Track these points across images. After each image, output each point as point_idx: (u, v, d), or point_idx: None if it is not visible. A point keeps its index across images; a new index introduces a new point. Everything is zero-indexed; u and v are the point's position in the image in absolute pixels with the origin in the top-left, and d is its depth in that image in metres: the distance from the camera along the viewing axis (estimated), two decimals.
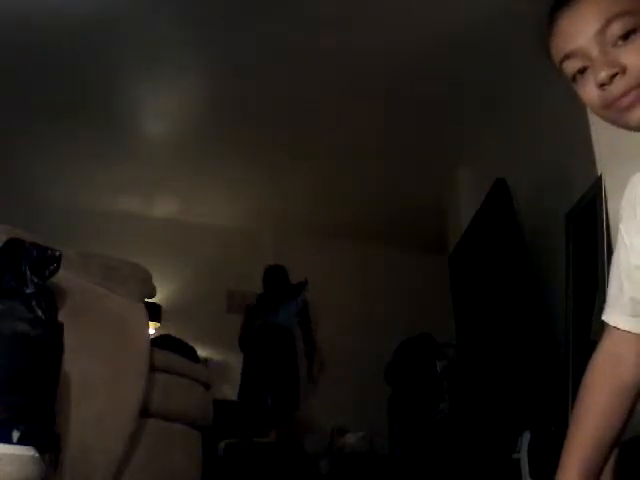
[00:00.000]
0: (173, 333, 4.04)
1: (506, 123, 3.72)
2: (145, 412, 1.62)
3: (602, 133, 2.09)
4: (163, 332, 4.24)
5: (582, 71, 0.90)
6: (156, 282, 1.96)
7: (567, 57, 0.91)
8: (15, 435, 1.09)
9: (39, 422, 1.16)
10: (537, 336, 2.82)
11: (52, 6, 3.05)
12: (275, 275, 4.67)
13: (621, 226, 1.04)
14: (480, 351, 3.47)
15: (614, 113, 0.90)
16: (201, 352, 4.26)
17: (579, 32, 0.88)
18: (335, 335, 4.92)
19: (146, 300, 1.86)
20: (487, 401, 3.24)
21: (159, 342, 2.30)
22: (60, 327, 1.27)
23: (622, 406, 1.01)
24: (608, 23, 0.86)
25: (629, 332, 1.01)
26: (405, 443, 4.00)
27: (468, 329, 3.73)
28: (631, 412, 1.01)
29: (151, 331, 4.33)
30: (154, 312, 4.39)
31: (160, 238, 5.01)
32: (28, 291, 1.24)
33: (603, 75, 0.86)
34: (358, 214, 5.08)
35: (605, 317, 1.05)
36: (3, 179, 4.30)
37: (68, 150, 4.29)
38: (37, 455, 1.11)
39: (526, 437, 2.35)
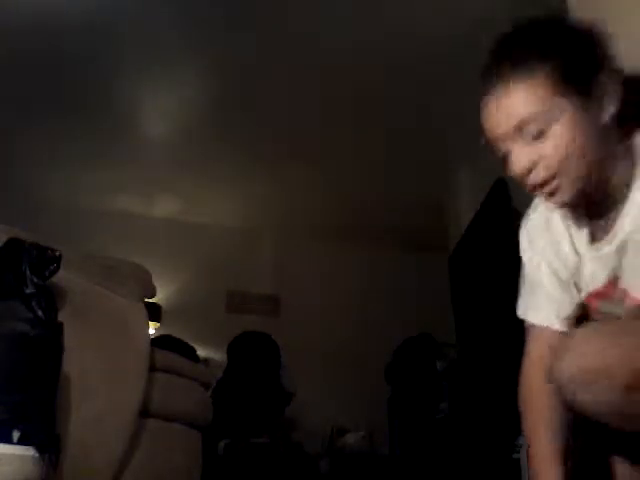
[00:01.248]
0: (173, 333, 4.05)
1: None
2: (145, 412, 1.62)
3: None
4: (163, 332, 4.25)
5: (508, 154, 1.01)
6: (156, 282, 1.96)
7: (495, 140, 1.02)
8: (15, 435, 1.09)
9: (39, 422, 1.16)
10: None
11: (52, 6, 3.06)
12: (265, 351, 4.11)
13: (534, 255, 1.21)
14: (480, 351, 3.47)
15: (538, 195, 1.04)
16: (201, 352, 4.26)
17: (502, 124, 1.00)
18: (335, 335, 4.92)
19: (146, 300, 1.86)
20: (487, 401, 3.24)
21: (159, 342, 2.30)
22: (60, 327, 1.27)
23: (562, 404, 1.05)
24: (523, 123, 0.97)
25: (553, 330, 1.13)
26: (405, 443, 4.00)
27: (468, 329, 3.73)
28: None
29: (151, 331, 4.33)
30: (154, 312, 4.39)
31: (160, 238, 5.01)
32: (28, 291, 1.24)
33: (521, 167, 0.98)
34: (358, 214, 5.08)
35: (535, 319, 1.18)
36: (3, 179, 4.30)
37: (68, 150, 4.29)
38: (37, 455, 1.11)
39: None
